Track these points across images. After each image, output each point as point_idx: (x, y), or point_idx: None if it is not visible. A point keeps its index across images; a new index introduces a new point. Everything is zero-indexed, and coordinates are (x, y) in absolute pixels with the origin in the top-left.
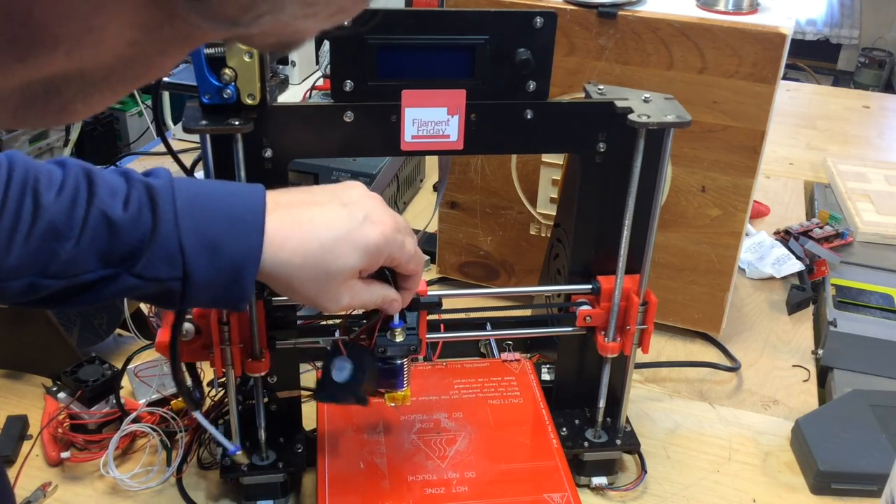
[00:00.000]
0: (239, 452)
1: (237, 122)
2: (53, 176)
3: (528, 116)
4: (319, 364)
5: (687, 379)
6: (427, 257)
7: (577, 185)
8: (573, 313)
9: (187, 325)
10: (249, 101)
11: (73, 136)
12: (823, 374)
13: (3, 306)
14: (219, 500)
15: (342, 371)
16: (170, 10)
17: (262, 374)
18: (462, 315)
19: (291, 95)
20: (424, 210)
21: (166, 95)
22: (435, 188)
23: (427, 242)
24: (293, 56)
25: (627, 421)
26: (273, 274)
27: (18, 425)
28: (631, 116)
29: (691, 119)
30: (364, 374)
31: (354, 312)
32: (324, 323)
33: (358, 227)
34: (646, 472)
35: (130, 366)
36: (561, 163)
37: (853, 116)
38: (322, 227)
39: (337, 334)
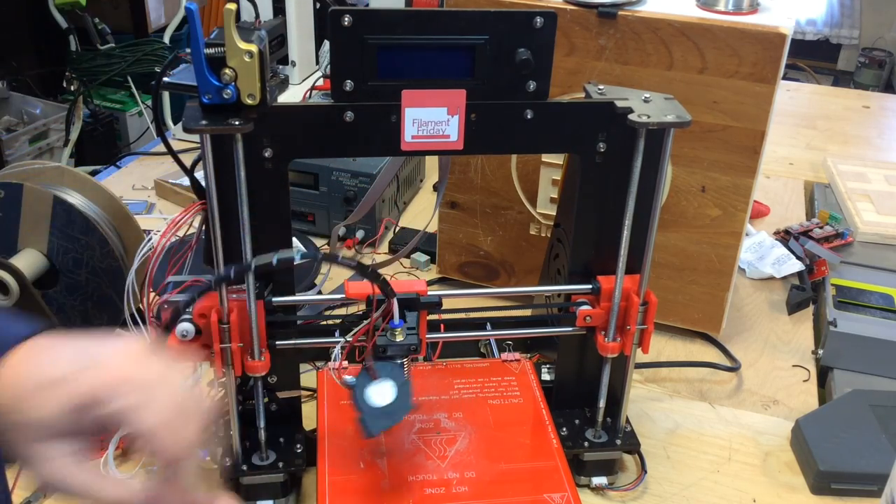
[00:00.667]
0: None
1: (237, 122)
2: None
3: (528, 116)
4: (320, 364)
5: (687, 379)
6: (427, 257)
7: (577, 185)
8: (573, 313)
9: (187, 325)
10: (249, 101)
11: (73, 136)
12: (823, 374)
13: (3, 306)
14: None
15: (385, 394)
16: None
17: (262, 374)
18: (462, 315)
19: (291, 95)
20: (424, 210)
21: (166, 95)
22: (435, 188)
23: (427, 242)
24: (293, 56)
25: (627, 421)
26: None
27: None
28: (631, 116)
29: (691, 119)
30: (407, 383)
31: (351, 312)
32: (324, 323)
33: None
34: (646, 472)
35: None
36: (561, 163)
37: (853, 116)
38: None
39: (340, 339)
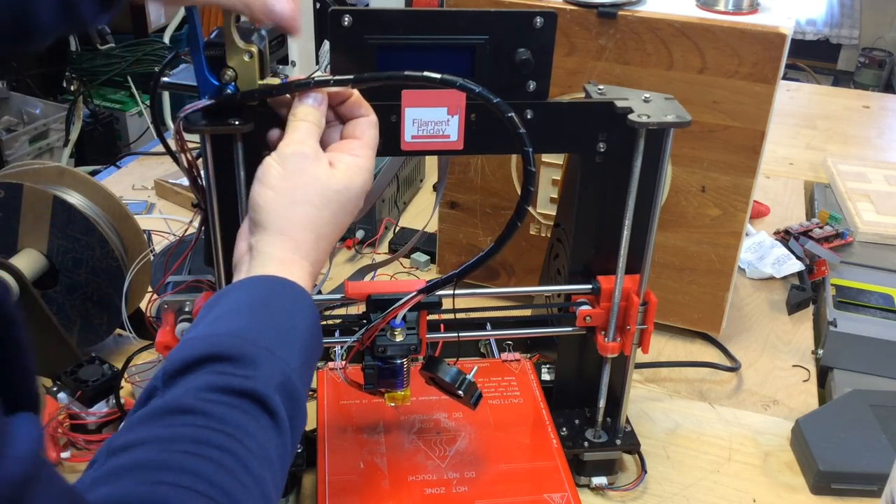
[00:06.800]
0: None
1: (237, 122)
2: None
3: (528, 116)
4: (320, 364)
5: (687, 379)
6: (427, 257)
7: (577, 185)
8: (573, 313)
9: (187, 325)
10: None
11: (73, 136)
12: (823, 374)
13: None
14: None
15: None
16: None
17: None
18: (462, 315)
19: None
20: (424, 210)
21: (166, 95)
22: (435, 188)
23: (427, 242)
24: (293, 56)
25: (627, 421)
26: None
27: None
28: (631, 116)
29: (691, 119)
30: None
31: (351, 312)
32: (324, 323)
33: None
34: (646, 472)
35: (130, 366)
36: (561, 163)
37: (853, 116)
38: None
39: (340, 339)
